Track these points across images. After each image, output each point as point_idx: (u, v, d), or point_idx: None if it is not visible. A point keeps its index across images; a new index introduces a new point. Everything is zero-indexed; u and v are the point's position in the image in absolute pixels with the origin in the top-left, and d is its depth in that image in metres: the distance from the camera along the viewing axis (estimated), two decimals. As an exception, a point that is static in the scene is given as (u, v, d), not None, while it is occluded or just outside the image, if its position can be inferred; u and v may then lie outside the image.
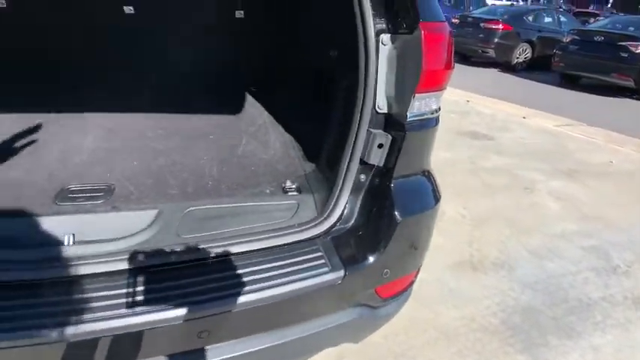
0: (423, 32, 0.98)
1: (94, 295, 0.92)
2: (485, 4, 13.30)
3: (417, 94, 1.03)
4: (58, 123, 1.68)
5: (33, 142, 1.52)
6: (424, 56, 0.99)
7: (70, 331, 0.85)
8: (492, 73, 9.57)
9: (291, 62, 2.03)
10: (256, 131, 1.76)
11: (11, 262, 0.95)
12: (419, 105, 1.06)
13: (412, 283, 1.29)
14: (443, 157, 3.87)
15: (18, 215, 1.06)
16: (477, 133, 4.87)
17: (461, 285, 2.23)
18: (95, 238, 1.03)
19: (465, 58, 10.25)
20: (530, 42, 9.59)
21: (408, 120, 1.05)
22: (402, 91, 1.06)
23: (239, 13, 1.97)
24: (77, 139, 1.56)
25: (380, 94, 1.08)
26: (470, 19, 10.19)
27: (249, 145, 1.63)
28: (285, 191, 1.30)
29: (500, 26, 9.46)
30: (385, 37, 1.04)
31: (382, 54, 1.05)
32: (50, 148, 1.49)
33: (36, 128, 1.62)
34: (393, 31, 1.05)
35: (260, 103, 2.01)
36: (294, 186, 1.31)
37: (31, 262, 0.96)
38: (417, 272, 1.28)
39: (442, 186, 1.25)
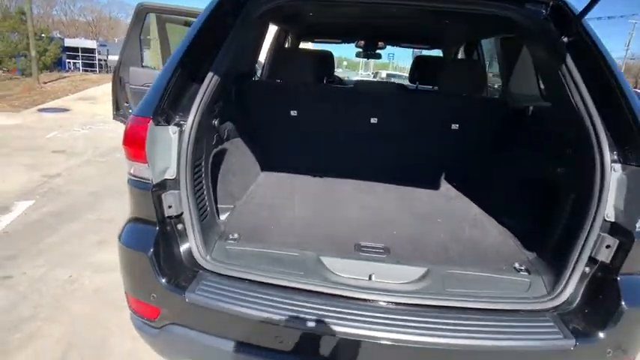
0: (654, 168, 1.33)
1: (384, 315, 1.40)
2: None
3: (648, 211, 1.36)
4: (334, 196, 2.46)
5: (325, 205, 2.31)
6: None
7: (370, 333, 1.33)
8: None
9: (499, 168, 2.50)
10: (473, 220, 2.22)
11: (333, 283, 1.54)
12: (649, 219, 1.37)
13: (630, 370, 1.46)
14: None
15: (336, 255, 1.69)
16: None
17: None
18: (388, 280, 1.56)
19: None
20: None
21: (637, 230, 1.37)
22: (630, 207, 1.39)
23: (454, 126, 2.60)
24: (349, 212, 2.25)
25: (609, 207, 1.43)
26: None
27: (471, 230, 2.09)
28: (517, 270, 1.68)
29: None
30: (617, 166, 1.42)
31: (613, 177, 1.42)
32: (337, 213, 2.21)
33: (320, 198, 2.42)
34: (623, 162, 1.43)
35: (468, 198, 2.52)
36: (522, 267, 1.69)
37: (346, 285, 1.52)
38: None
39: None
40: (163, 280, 1.48)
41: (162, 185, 1.57)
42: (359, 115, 2.68)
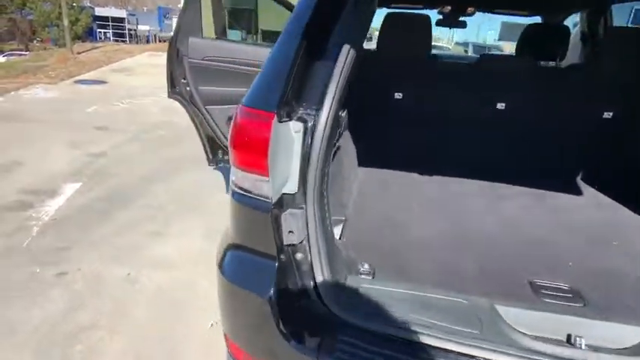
0: None
1: None
2: None
3: None
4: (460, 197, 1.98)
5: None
6: None
7: None
8: None
9: None
10: None
11: (525, 349, 1.08)
12: None
13: None
14: None
15: (514, 303, 1.21)
16: None
17: None
18: (599, 344, 1.09)
19: None
20: None
21: None
22: None
23: (607, 114, 2.02)
24: (497, 230, 1.74)
25: None
26: None
27: None
28: None
29: None
30: None
31: None
32: (483, 232, 1.71)
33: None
34: None
35: (630, 207, 1.96)
36: None
37: (542, 354, 1.06)
38: None
39: None
40: (292, 342, 1.08)
41: (280, 203, 1.15)
42: (481, 99, 2.15)
